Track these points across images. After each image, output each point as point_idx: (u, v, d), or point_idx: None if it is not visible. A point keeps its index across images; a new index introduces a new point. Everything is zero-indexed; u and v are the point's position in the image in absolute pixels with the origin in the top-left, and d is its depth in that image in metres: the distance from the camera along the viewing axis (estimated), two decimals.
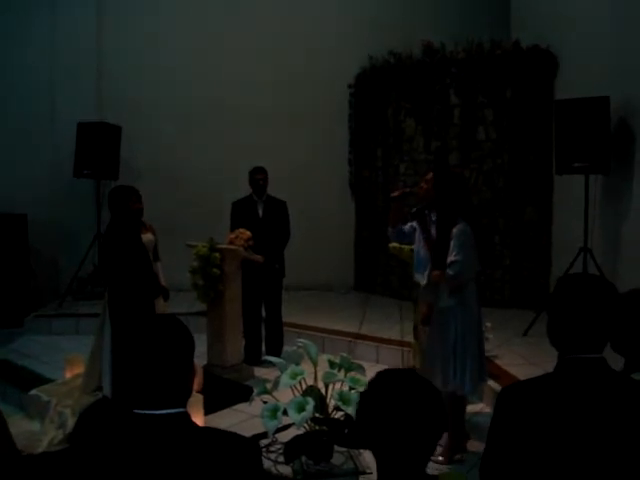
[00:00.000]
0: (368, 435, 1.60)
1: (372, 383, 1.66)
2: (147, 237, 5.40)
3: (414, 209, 4.61)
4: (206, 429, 1.68)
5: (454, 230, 4.00)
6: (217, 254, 5.59)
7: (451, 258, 3.96)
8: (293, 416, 3.68)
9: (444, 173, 4.47)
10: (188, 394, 1.67)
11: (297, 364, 3.96)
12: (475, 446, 4.23)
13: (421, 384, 1.62)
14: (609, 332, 1.83)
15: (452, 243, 3.98)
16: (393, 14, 9.06)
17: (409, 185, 5.10)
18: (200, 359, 5.64)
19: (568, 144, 6.13)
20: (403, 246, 5.18)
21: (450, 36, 7.91)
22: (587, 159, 5.96)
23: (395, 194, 4.67)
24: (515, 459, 1.73)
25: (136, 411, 1.59)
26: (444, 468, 4.01)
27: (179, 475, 1.51)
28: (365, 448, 1.70)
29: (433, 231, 4.37)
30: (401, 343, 5.36)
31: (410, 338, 5.33)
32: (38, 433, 4.78)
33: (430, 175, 4.74)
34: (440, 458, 4.10)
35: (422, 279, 4.48)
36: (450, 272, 3.96)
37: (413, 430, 1.55)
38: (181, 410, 1.61)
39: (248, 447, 1.64)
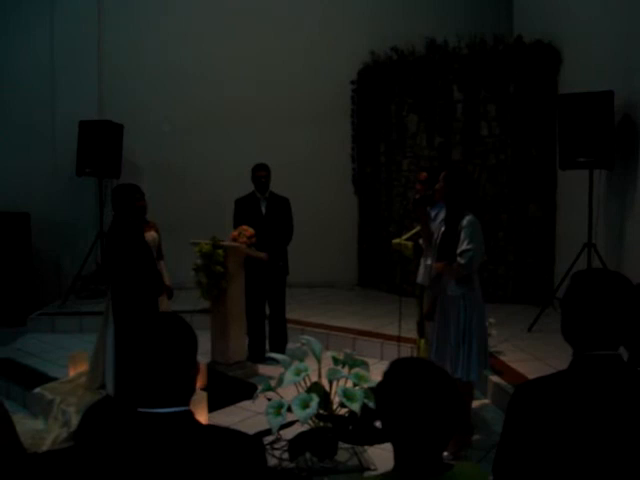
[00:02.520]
0: (387, 423, 1.60)
1: (388, 372, 1.66)
2: (151, 235, 5.40)
3: (417, 195, 4.63)
4: (209, 427, 1.67)
5: (463, 221, 4.03)
6: (220, 251, 5.58)
7: (463, 247, 3.98)
8: (297, 413, 3.67)
9: (454, 168, 4.50)
10: (191, 392, 1.66)
11: (301, 361, 3.96)
12: (479, 441, 4.23)
13: (436, 371, 1.63)
14: (625, 328, 1.79)
15: (462, 233, 4.01)
16: (396, 10, 9.05)
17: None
18: (204, 357, 5.65)
19: (572, 139, 6.11)
20: (407, 242, 5.18)
21: (453, 32, 7.90)
22: (591, 154, 5.94)
23: (417, 197, 4.63)
24: (530, 456, 1.71)
25: (140, 409, 1.59)
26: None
27: (183, 473, 1.51)
28: (385, 438, 1.70)
29: (432, 226, 4.48)
30: (399, 339, 5.37)
31: (413, 334, 5.32)
32: (42, 431, 4.77)
33: (424, 175, 4.87)
34: (445, 453, 4.08)
35: (424, 279, 4.54)
36: (462, 261, 3.97)
37: (431, 417, 1.55)
38: (184, 408, 1.61)
39: (252, 444, 1.63)
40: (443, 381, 1.60)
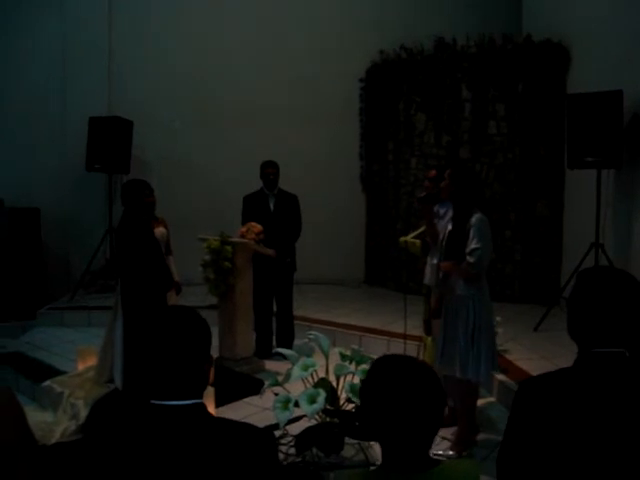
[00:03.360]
0: (371, 422, 1.62)
1: (371, 370, 1.68)
2: (160, 231, 5.43)
3: (422, 194, 4.64)
4: (222, 420, 1.69)
5: (472, 219, 4.01)
6: (229, 247, 5.60)
7: (472, 246, 3.96)
8: (304, 408, 3.69)
9: (460, 166, 4.49)
10: (204, 385, 1.68)
11: (309, 356, 3.98)
12: (485, 439, 4.25)
13: (419, 367, 1.63)
14: (631, 326, 1.79)
15: (471, 232, 3.99)
16: (405, 9, 9.04)
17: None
18: (211, 352, 5.67)
19: (580, 138, 6.10)
20: (414, 240, 5.19)
21: (462, 31, 7.89)
22: (599, 153, 5.93)
23: (422, 195, 4.65)
24: (534, 452, 1.72)
25: (153, 402, 1.61)
26: None
27: (196, 465, 1.53)
28: (370, 437, 1.72)
29: (440, 225, 4.51)
30: (405, 336, 5.38)
31: (419, 332, 5.33)
32: (51, 423, 4.82)
33: (434, 172, 4.87)
34: (450, 452, 4.09)
35: (431, 279, 4.57)
36: (471, 260, 3.96)
37: (415, 414, 1.56)
38: (198, 401, 1.63)
39: (264, 438, 1.65)
40: (426, 377, 1.61)
